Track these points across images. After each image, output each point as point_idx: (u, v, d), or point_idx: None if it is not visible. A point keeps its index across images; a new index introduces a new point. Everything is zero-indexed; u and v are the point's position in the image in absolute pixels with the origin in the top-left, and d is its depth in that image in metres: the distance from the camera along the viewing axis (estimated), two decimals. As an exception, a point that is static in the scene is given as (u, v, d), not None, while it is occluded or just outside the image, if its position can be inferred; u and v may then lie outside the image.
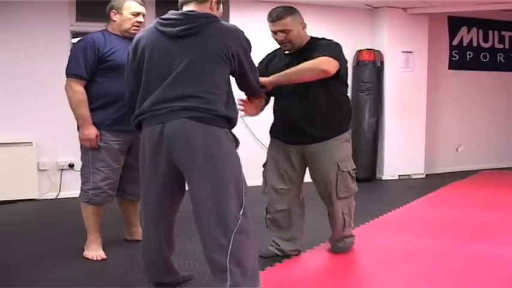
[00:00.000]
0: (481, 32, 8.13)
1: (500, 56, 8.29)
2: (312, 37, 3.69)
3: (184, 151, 2.74)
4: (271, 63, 3.73)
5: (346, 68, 3.70)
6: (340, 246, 3.92)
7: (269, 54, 3.82)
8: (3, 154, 5.66)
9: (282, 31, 3.53)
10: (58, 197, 5.92)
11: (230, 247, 2.69)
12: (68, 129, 5.47)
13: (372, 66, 7.02)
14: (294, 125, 3.64)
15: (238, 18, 6.57)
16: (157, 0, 6.13)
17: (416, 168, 7.40)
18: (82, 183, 3.87)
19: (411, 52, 7.24)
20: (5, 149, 5.67)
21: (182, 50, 2.81)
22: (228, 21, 6.56)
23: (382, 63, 7.09)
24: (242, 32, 2.93)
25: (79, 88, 3.75)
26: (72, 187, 5.76)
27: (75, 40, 6.07)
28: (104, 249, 3.92)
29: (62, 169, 5.97)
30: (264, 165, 3.88)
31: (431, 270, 3.65)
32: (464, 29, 8.00)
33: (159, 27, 2.90)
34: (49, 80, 5.85)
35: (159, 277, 3.13)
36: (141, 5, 3.93)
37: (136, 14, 3.87)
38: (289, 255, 3.84)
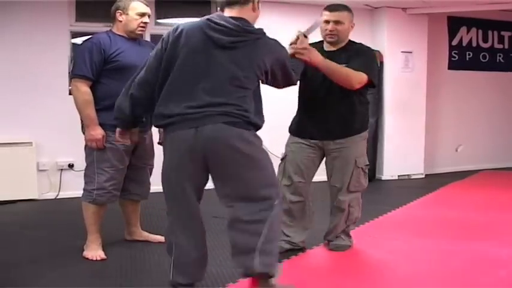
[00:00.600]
0: (480, 32, 8.13)
1: (499, 56, 8.30)
2: (350, 40, 3.90)
3: (223, 153, 2.82)
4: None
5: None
6: (337, 243, 3.98)
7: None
8: (2, 154, 5.66)
9: (336, 22, 3.75)
10: (58, 197, 5.92)
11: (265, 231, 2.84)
12: (68, 129, 5.51)
13: (371, 66, 7.02)
14: (320, 120, 3.82)
15: None
16: (157, 0, 6.13)
17: (415, 168, 7.41)
18: (86, 183, 3.86)
19: (411, 52, 7.24)
20: (5, 149, 5.67)
21: (225, 59, 2.86)
22: None
23: (381, 63, 7.09)
24: (283, 47, 3.13)
25: (85, 89, 3.74)
26: (71, 187, 5.77)
27: (74, 40, 6.11)
28: (103, 249, 3.91)
29: (62, 169, 5.97)
30: (282, 159, 3.96)
31: (431, 270, 3.65)
32: (463, 29, 8.01)
33: (206, 31, 2.88)
34: (49, 80, 5.86)
35: (196, 277, 3.15)
36: (147, 5, 3.94)
37: (142, 15, 3.88)
38: (298, 248, 3.95)
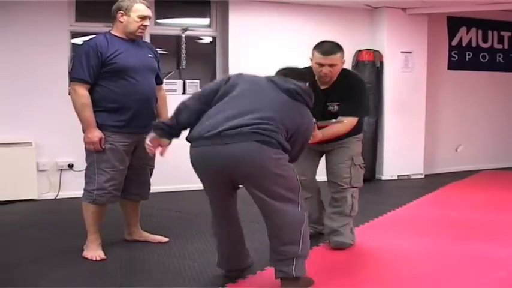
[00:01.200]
0: (480, 32, 8.13)
1: (499, 56, 8.30)
2: (342, 70, 3.98)
3: (251, 168, 3.04)
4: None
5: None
6: (339, 240, 4.04)
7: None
8: (2, 154, 5.66)
9: (330, 65, 3.85)
10: (57, 197, 5.92)
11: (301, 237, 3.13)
12: (68, 129, 5.49)
13: (371, 67, 7.03)
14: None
15: (237, 19, 6.59)
16: (157, 0, 6.13)
17: (415, 168, 7.41)
18: (86, 183, 3.88)
19: (410, 52, 7.24)
20: (4, 149, 5.67)
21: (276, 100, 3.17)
22: (227, 22, 6.58)
23: (381, 63, 7.10)
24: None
25: (83, 92, 3.75)
26: (71, 187, 5.78)
27: (74, 40, 6.11)
28: (103, 250, 3.91)
29: (61, 169, 5.97)
30: None
31: (431, 270, 3.65)
32: (463, 29, 8.00)
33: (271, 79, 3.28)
34: (48, 80, 5.86)
35: (236, 265, 3.46)
36: (149, 8, 3.95)
37: (144, 18, 3.88)
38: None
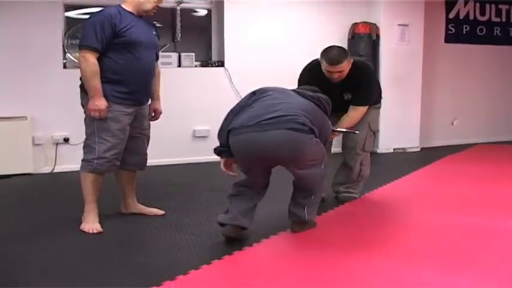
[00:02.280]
0: (477, 5, 8.08)
1: (497, 29, 8.26)
2: (352, 63, 4.25)
3: (290, 152, 3.46)
4: (316, 79, 4.19)
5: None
6: (346, 195, 4.61)
7: (311, 69, 4.38)
8: (-3, 128, 5.64)
9: (339, 72, 4.15)
10: (54, 171, 5.92)
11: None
12: (63, 103, 5.50)
13: (367, 39, 7.00)
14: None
15: (233, 12, 6.54)
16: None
17: (411, 141, 7.41)
18: (85, 153, 3.92)
19: (407, 25, 7.20)
20: (0, 124, 5.65)
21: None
22: (222, 15, 6.53)
23: (377, 36, 7.06)
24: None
25: (93, 60, 3.79)
26: (67, 161, 5.78)
27: (68, 14, 6.07)
28: (100, 222, 3.93)
29: (57, 143, 5.96)
30: None
31: (426, 242, 3.67)
32: (461, 2, 7.95)
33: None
34: (43, 53, 5.83)
35: (240, 223, 3.64)
36: None
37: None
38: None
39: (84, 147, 3.96)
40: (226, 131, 3.61)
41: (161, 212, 4.27)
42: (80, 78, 3.90)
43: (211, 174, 5.72)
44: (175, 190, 5.14)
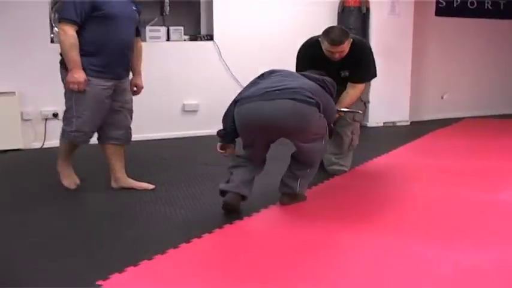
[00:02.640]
0: (468, -23, 8.04)
1: (487, 2, 8.22)
2: (352, 41, 4.33)
3: (296, 122, 3.54)
4: (315, 63, 4.27)
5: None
6: (335, 168, 4.65)
7: (310, 46, 4.48)
8: (-15, 104, 5.59)
9: (340, 51, 4.24)
10: (43, 147, 5.89)
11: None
12: (51, 78, 5.40)
13: (357, 12, 6.94)
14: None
15: None
16: None
17: (401, 115, 7.41)
18: (64, 125, 4.06)
19: (397, -2, 7.16)
20: (-12, 99, 5.61)
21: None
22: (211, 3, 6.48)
23: (367, 9, 7.01)
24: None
25: (72, 32, 3.83)
26: (57, 136, 5.68)
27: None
28: (89, 198, 3.99)
29: (46, 119, 5.92)
30: None
31: (416, 215, 3.70)
32: (451, -26, 7.91)
33: None
34: (30, 28, 5.75)
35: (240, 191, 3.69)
36: None
37: None
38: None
39: (63, 119, 4.11)
40: (232, 112, 3.71)
41: (151, 186, 4.27)
42: (60, 54, 3.95)
43: (201, 149, 5.73)
44: (165, 164, 5.13)
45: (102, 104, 3.98)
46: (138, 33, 4.26)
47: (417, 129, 7.00)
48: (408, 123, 7.43)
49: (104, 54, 3.93)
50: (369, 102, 4.88)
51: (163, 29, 6.24)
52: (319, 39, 4.32)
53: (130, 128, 4.25)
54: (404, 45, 7.27)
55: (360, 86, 4.50)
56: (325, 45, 4.26)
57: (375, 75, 4.68)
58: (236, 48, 6.44)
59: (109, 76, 3.97)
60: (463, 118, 7.84)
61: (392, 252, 3.07)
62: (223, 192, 3.68)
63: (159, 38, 6.18)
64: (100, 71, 3.92)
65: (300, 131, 3.59)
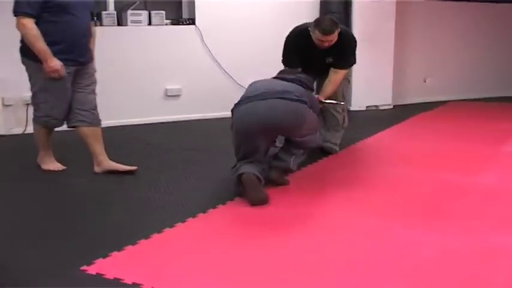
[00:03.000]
0: (450, -40, 8.04)
1: (469, -15, 8.23)
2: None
3: (291, 120, 3.74)
4: (303, 51, 4.59)
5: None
6: (329, 145, 4.83)
7: (297, 35, 4.64)
8: (-34, 90, 5.53)
9: (330, 40, 4.44)
10: (25, 132, 5.84)
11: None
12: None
13: (340, -3, 6.94)
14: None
15: None
16: None
17: (384, 99, 7.43)
18: (34, 110, 4.25)
19: (380, -18, 7.15)
20: (-32, 85, 5.54)
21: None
22: None
23: (350, -7, 7.01)
24: None
25: (31, 25, 3.92)
26: (38, 122, 5.69)
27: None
28: (73, 185, 4.00)
29: (28, 104, 5.84)
30: None
31: (398, 198, 3.73)
32: (433, -42, 7.90)
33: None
34: (8, 10, 5.67)
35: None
36: None
37: None
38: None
39: (32, 104, 4.30)
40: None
41: (133, 168, 4.29)
42: (21, 41, 4.08)
43: (183, 133, 5.72)
44: (149, 149, 5.12)
45: (65, 89, 4.12)
46: (92, 18, 4.40)
47: (400, 113, 7.03)
48: (391, 107, 7.45)
49: (64, 43, 4.02)
50: (351, 80, 5.25)
51: (144, 13, 6.19)
52: (309, 28, 4.49)
53: (95, 109, 4.31)
54: (386, 30, 7.27)
55: (343, 72, 4.70)
56: (316, 35, 4.43)
57: (354, 62, 4.86)
58: (218, 33, 6.41)
59: (70, 63, 4.07)
60: (446, 102, 7.89)
61: (373, 235, 3.10)
62: (240, 175, 3.65)
63: (140, 22, 6.13)
64: (61, 59, 4.00)
65: (297, 127, 3.76)
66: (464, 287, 2.51)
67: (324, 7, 6.82)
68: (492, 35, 8.33)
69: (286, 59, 4.64)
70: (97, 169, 4.29)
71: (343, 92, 4.91)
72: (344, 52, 4.63)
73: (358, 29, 7.03)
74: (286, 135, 3.93)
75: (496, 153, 4.94)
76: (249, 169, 3.63)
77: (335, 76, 4.67)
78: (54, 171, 4.31)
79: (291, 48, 4.66)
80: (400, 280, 2.57)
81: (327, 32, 4.40)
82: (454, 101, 7.99)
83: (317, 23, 4.46)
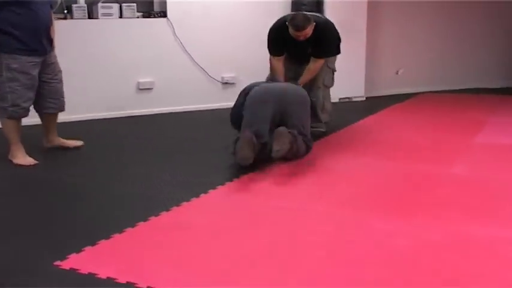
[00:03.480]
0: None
1: (440, -23, 8.27)
2: (316, 24, 4.90)
3: (296, 98, 4.46)
4: (285, 41, 5.01)
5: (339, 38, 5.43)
6: (315, 128, 5.06)
7: (278, 30, 5.02)
8: None
9: (304, 35, 4.83)
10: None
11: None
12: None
13: (312, -10, 6.93)
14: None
15: None
16: None
17: (356, 91, 7.45)
18: (0, 100, 4.27)
19: (351, -27, 7.16)
20: None
21: None
22: None
23: (322, -17, 7.01)
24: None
25: None
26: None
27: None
28: (45, 178, 3.97)
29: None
30: None
31: (371, 189, 3.74)
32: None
33: None
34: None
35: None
36: None
37: None
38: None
39: None
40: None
41: (79, 143, 4.74)
42: None
43: (156, 126, 5.68)
44: (121, 143, 5.07)
45: (32, 79, 4.27)
46: (52, 8, 4.54)
47: (373, 104, 7.06)
48: (364, 98, 7.48)
49: (28, 34, 4.17)
50: (335, 70, 5.46)
51: (115, 6, 6.11)
52: (286, 22, 4.87)
53: (63, 96, 4.59)
54: (358, 21, 7.28)
55: (320, 61, 5.12)
56: (290, 30, 4.85)
57: (338, 52, 5.40)
58: (190, 25, 6.37)
59: (36, 53, 4.25)
60: (418, 93, 7.94)
61: (349, 226, 3.10)
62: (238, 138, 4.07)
63: (111, 15, 6.05)
64: (25, 49, 4.18)
65: (303, 108, 4.43)
66: (437, 276, 2.52)
67: (296, 0, 6.81)
68: (463, 27, 8.39)
69: (271, 49, 5.10)
70: (46, 144, 4.70)
71: (323, 80, 5.27)
72: (320, 43, 5.02)
73: (330, 20, 7.03)
74: (290, 116, 4.29)
75: (469, 143, 4.99)
76: (249, 133, 4.02)
77: (314, 65, 5.11)
78: (25, 166, 4.28)
79: (273, 40, 5.10)
80: (374, 270, 2.57)
81: (299, 28, 4.80)
82: (425, 92, 8.05)
83: (291, 19, 4.85)
